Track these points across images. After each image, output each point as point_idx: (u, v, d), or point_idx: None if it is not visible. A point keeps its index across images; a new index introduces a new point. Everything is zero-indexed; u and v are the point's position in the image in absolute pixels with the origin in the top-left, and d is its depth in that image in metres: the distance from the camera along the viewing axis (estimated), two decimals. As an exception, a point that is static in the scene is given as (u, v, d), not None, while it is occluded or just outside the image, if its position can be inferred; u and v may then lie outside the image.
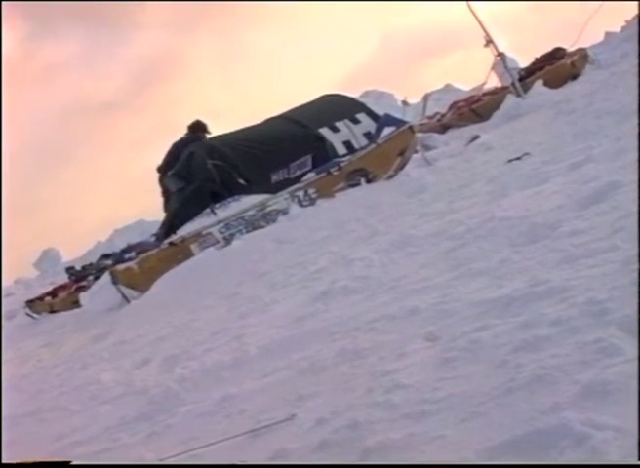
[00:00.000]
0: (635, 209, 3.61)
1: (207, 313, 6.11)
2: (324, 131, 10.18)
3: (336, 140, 10.18)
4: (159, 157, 10.41)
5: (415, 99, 15.17)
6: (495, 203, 5.46)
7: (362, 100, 12.55)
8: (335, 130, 10.29)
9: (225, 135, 10.39)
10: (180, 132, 10.50)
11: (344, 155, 9.79)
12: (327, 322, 4.17)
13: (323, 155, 9.78)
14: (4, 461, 3.39)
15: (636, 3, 11.34)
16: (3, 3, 10.49)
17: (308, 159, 9.87)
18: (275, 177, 9.67)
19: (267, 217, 8.82)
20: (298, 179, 9.39)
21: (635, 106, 6.34)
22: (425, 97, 14.40)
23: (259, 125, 10.73)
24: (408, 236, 5.47)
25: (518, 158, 6.92)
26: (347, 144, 10.21)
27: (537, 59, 14.53)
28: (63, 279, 12.53)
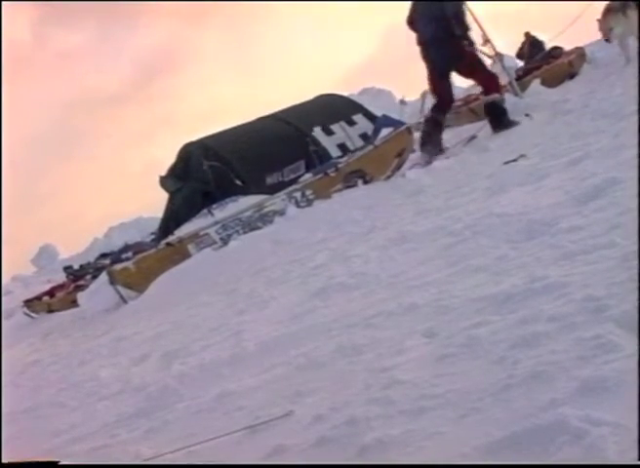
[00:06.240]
0: (634, 205, 3.61)
1: (205, 309, 6.12)
2: (318, 134, 10.18)
3: (329, 144, 10.18)
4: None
5: (413, 97, 15.18)
6: (493, 199, 5.47)
7: (360, 98, 12.55)
8: (329, 133, 10.29)
9: (221, 134, 10.39)
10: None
11: (338, 158, 9.80)
12: (325, 318, 4.18)
13: (316, 160, 9.80)
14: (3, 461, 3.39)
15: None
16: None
17: (301, 164, 9.90)
18: (270, 180, 9.70)
19: (264, 218, 8.82)
20: (291, 183, 9.41)
21: (632, 108, 6.35)
22: (423, 95, 14.40)
23: (253, 124, 10.72)
24: (406, 233, 5.48)
25: (514, 160, 6.94)
26: (342, 147, 10.21)
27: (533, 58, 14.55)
28: (61, 276, 12.54)
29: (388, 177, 9.23)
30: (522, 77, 13.18)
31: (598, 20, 11.40)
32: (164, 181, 9.90)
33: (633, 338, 2.44)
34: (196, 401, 3.70)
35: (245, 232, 8.67)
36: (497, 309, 3.17)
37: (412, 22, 10.00)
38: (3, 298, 13.87)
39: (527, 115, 9.71)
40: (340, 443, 2.59)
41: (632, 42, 10.92)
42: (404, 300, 3.81)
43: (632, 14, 10.72)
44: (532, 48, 15.58)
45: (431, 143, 9.68)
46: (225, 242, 8.55)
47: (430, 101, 10.59)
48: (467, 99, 13.54)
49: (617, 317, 2.62)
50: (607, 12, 11.12)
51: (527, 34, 16.02)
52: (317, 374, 3.33)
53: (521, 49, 15.93)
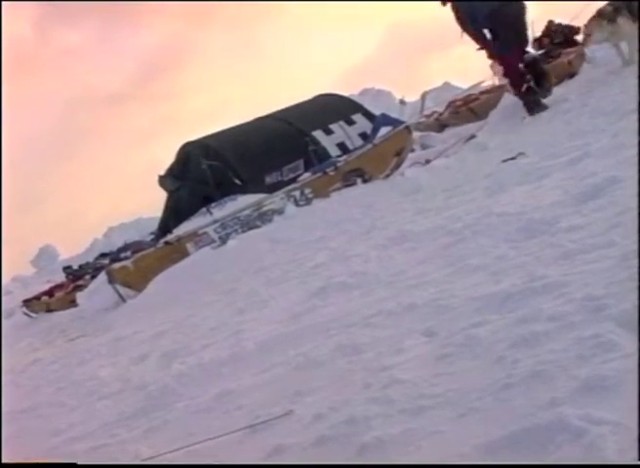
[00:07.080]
0: (633, 204, 3.61)
1: (205, 309, 6.12)
2: (317, 133, 10.18)
3: (329, 143, 10.17)
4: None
5: (413, 97, 15.16)
6: (492, 199, 5.46)
7: (360, 99, 12.52)
8: (328, 132, 10.29)
9: (220, 133, 10.39)
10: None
11: (337, 157, 9.80)
12: (324, 317, 4.18)
13: (315, 159, 9.80)
14: (3, 460, 3.39)
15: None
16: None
17: (300, 163, 9.90)
18: (269, 179, 9.70)
19: (263, 217, 8.82)
20: (290, 183, 9.41)
21: (630, 106, 6.35)
22: (423, 96, 14.38)
23: (252, 124, 10.72)
24: (405, 232, 5.48)
25: (513, 158, 6.94)
26: (341, 146, 10.20)
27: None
28: (60, 276, 12.54)
29: (387, 176, 9.22)
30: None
31: (583, 32, 11.17)
32: (163, 181, 9.91)
33: (633, 337, 2.44)
34: (196, 400, 3.70)
35: (244, 231, 8.67)
36: (496, 308, 3.17)
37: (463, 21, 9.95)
38: (3, 299, 13.88)
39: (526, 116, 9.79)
40: (340, 442, 2.59)
41: (625, 46, 10.76)
42: (403, 300, 3.82)
43: (622, 21, 10.50)
44: (565, 37, 15.15)
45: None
46: (224, 241, 8.55)
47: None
48: (467, 99, 13.52)
49: (616, 316, 2.63)
50: (592, 20, 10.87)
51: (550, 22, 15.58)
52: (317, 374, 3.34)
53: (544, 36, 15.49)
